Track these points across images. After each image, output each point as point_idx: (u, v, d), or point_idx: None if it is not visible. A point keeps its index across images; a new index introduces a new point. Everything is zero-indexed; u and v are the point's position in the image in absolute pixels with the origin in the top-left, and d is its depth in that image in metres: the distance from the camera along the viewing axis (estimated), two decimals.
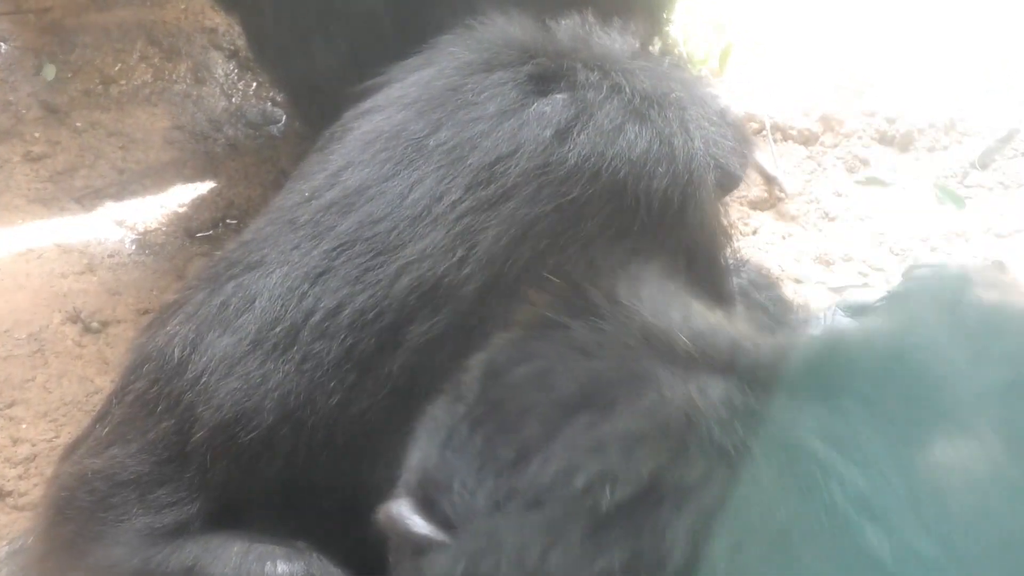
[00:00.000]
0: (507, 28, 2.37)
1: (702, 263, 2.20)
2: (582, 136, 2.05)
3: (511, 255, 1.98)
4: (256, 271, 2.08)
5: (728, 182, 2.31)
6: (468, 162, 2.05)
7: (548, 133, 2.05)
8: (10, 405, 2.85)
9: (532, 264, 1.99)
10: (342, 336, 1.95)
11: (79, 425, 2.40)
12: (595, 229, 2.03)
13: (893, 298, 2.46)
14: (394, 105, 2.26)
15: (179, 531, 1.99)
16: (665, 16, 3.53)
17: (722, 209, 2.32)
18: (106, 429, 2.10)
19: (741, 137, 2.41)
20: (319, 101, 3.04)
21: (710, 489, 1.48)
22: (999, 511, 1.51)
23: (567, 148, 2.04)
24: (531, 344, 1.66)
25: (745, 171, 2.40)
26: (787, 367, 1.61)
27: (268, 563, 1.92)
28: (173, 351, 2.05)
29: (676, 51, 3.84)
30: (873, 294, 2.90)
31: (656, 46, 3.48)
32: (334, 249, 2.03)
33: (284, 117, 3.83)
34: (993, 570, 1.49)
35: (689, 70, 2.46)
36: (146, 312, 3.00)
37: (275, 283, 2.04)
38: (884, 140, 3.78)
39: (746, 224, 3.48)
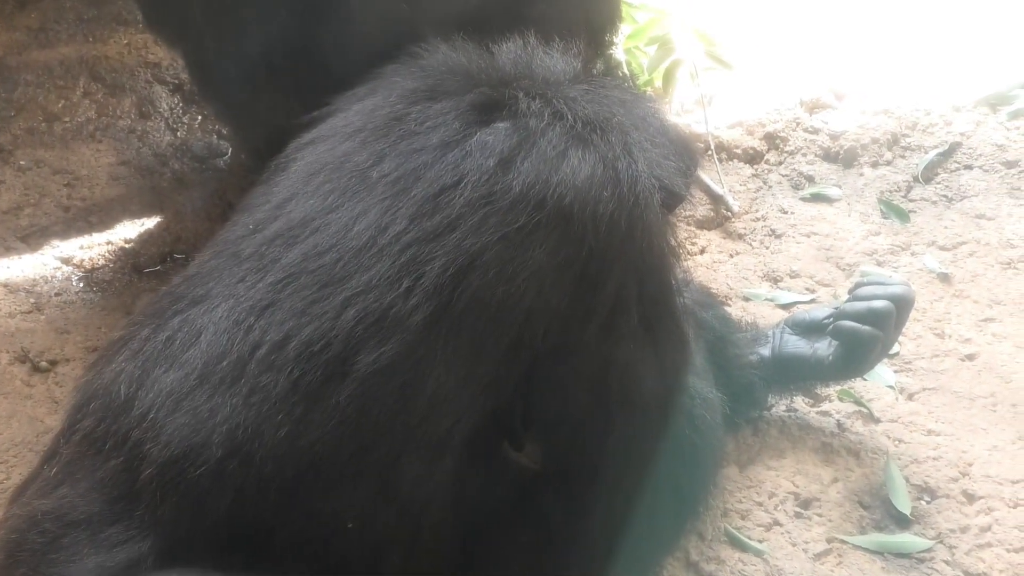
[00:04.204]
0: (451, 55, 2.38)
1: (652, 284, 2.20)
2: (525, 164, 2.05)
3: (458, 285, 1.98)
4: (201, 305, 2.07)
5: (674, 201, 2.32)
6: (412, 193, 2.05)
7: (491, 163, 2.05)
8: None
9: (480, 293, 1.99)
10: (289, 368, 1.94)
11: (30, 466, 2.38)
12: (543, 256, 2.03)
13: None
14: (337, 135, 2.26)
15: (132, 569, 1.96)
16: (608, 37, 3.54)
17: (670, 229, 2.33)
18: (54, 469, 2.08)
19: (687, 156, 2.42)
20: (264, 133, 3.04)
21: None
22: None
23: (511, 177, 2.03)
24: None
25: (690, 190, 2.42)
26: None
27: None
28: (119, 388, 2.03)
29: (620, 72, 3.86)
30: (821, 311, 2.92)
31: (600, 67, 3.50)
32: (279, 281, 2.02)
33: (230, 150, 3.83)
34: None
35: (633, 91, 2.46)
36: (95, 350, 2.98)
37: (220, 317, 2.02)
38: (828, 157, 3.81)
39: (694, 243, 3.51)
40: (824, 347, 2.85)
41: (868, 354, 2.81)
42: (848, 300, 2.86)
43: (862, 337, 2.77)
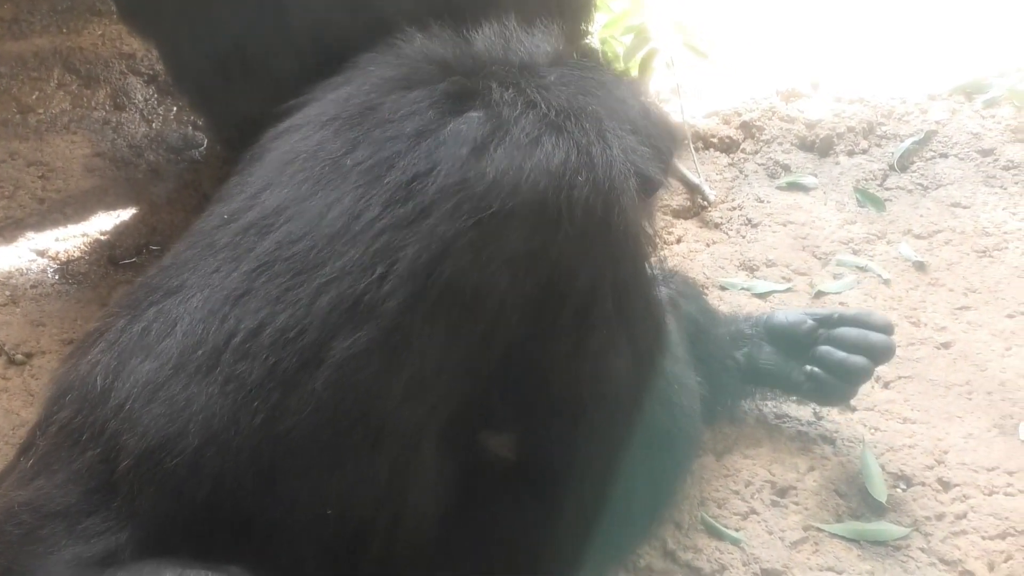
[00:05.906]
0: (426, 44, 2.38)
1: (627, 270, 2.20)
2: (499, 152, 2.05)
3: (432, 270, 1.98)
4: (176, 296, 2.07)
5: (650, 187, 2.32)
6: (385, 180, 2.05)
7: (465, 150, 2.05)
8: None
9: (454, 280, 1.99)
10: (264, 356, 1.94)
11: (6, 459, 2.37)
12: (517, 242, 2.03)
13: None
14: (312, 124, 2.26)
15: (109, 560, 1.96)
16: (584, 25, 3.54)
17: (646, 216, 2.33)
18: (31, 461, 2.08)
19: (666, 136, 2.43)
20: (239, 124, 3.03)
21: None
22: None
23: (484, 163, 2.03)
24: None
25: (667, 175, 2.42)
26: None
27: None
28: (95, 379, 2.03)
29: (596, 60, 3.85)
30: (798, 318, 2.89)
31: (575, 55, 3.49)
32: (254, 270, 2.02)
33: (205, 141, 3.82)
34: None
35: (610, 73, 2.47)
36: (70, 342, 2.98)
37: (196, 307, 2.02)
38: (804, 146, 3.82)
39: (670, 233, 3.51)
40: (799, 375, 2.83)
41: (843, 398, 2.86)
42: (825, 342, 2.82)
43: (837, 390, 2.81)
